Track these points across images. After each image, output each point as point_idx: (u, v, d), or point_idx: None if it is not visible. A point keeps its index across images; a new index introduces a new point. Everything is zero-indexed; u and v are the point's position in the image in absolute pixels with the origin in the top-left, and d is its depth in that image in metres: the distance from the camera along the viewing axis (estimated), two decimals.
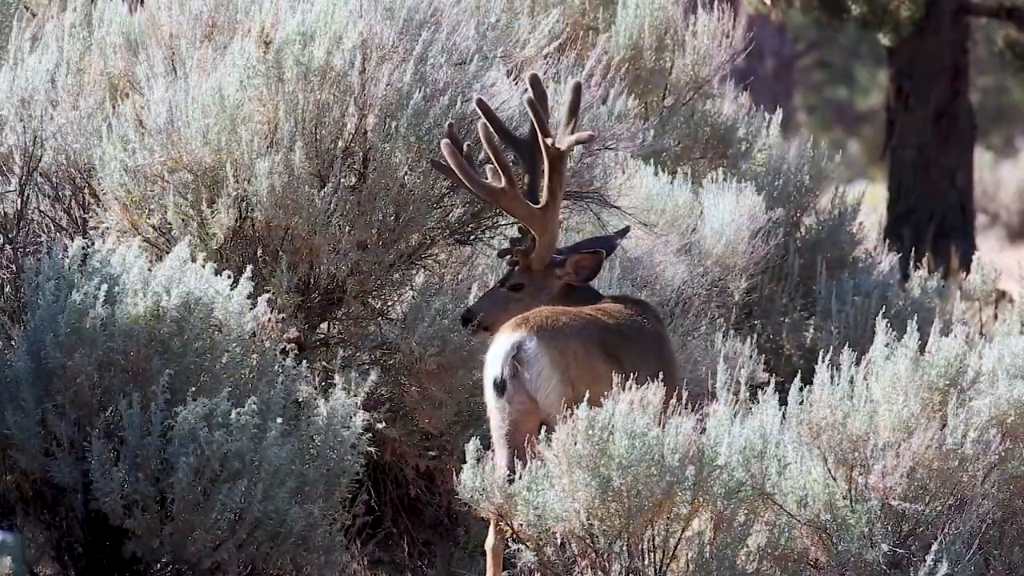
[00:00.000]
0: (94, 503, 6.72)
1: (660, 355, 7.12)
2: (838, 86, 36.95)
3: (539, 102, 7.34)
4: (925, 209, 17.00)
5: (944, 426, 6.75)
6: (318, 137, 7.74)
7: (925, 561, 6.62)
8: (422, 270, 8.05)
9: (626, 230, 7.77)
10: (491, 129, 7.22)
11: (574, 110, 7.37)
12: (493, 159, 7.21)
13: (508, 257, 7.45)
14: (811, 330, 10.58)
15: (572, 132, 7.32)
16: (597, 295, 7.42)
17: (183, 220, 7.72)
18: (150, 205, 7.77)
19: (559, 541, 6.75)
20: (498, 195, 7.26)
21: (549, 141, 7.22)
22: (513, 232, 7.58)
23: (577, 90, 7.40)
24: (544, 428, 6.77)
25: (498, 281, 7.51)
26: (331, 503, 6.90)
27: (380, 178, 7.77)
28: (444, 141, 7.25)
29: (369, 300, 7.99)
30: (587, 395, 6.69)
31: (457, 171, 7.24)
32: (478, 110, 7.37)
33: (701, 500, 6.65)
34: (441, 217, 8.00)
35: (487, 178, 7.29)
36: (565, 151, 7.27)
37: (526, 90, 7.36)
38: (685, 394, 6.75)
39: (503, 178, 7.21)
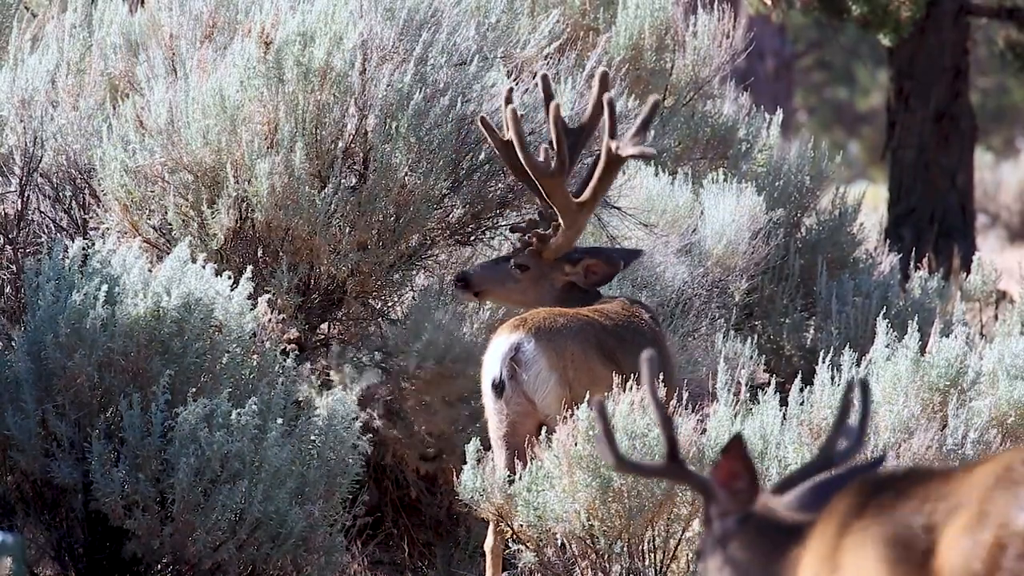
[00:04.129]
0: (94, 504, 6.72)
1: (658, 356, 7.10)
2: (838, 86, 36.92)
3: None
4: (926, 210, 16.97)
5: (944, 427, 6.75)
6: (318, 138, 7.73)
7: None
8: (422, 271, 8.05)
9: (639, 253, 7.72)
10: (560, 110, 7.19)
11: (646, 124, 7.33)
12: (555, 141, 7.18)
13: (520, 235, 7.40)
14: (811, 331, 10.55)
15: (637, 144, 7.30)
16: (596, 294, 7.39)
17: (183, 221, 7.72)
18: (150, 206, 7.77)
19: (559, 542, 6.75)
20: (546, 176, 7.22)
21: (614, 145, 7.20)
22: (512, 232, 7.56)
23: (654, 107, 7.36)
24: (544, 429, 6.77)
25: (505, 255, 7.48)
26: (331, 504, 6.90)
27: (380, 179, 7.77)
28: (511, 107, 7.22)
29: (369, 301, 7.99)
30: (586, 396, 6.69)
31: (516, 140, 7.19)
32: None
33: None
34: (441, 218, 8.00)
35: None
36: (625, 158, 7.24)
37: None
38: (685, 395, 6.76)
39: (557, 162, 7.19)
